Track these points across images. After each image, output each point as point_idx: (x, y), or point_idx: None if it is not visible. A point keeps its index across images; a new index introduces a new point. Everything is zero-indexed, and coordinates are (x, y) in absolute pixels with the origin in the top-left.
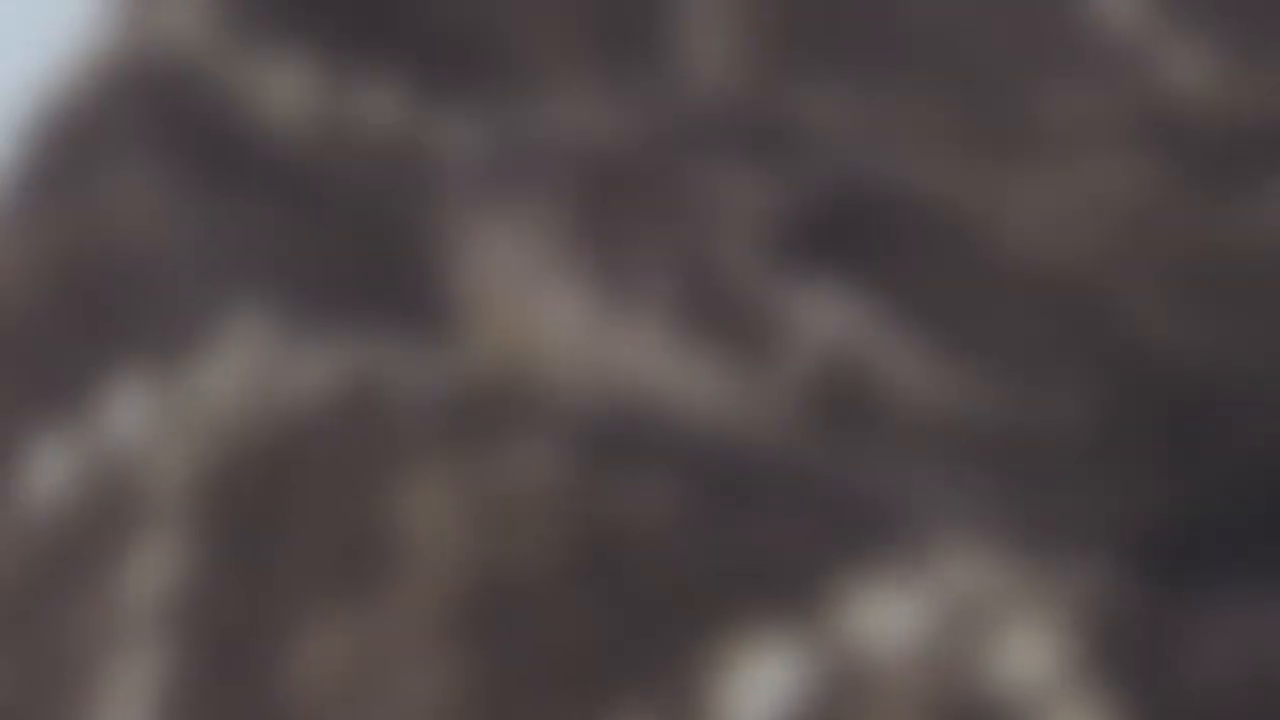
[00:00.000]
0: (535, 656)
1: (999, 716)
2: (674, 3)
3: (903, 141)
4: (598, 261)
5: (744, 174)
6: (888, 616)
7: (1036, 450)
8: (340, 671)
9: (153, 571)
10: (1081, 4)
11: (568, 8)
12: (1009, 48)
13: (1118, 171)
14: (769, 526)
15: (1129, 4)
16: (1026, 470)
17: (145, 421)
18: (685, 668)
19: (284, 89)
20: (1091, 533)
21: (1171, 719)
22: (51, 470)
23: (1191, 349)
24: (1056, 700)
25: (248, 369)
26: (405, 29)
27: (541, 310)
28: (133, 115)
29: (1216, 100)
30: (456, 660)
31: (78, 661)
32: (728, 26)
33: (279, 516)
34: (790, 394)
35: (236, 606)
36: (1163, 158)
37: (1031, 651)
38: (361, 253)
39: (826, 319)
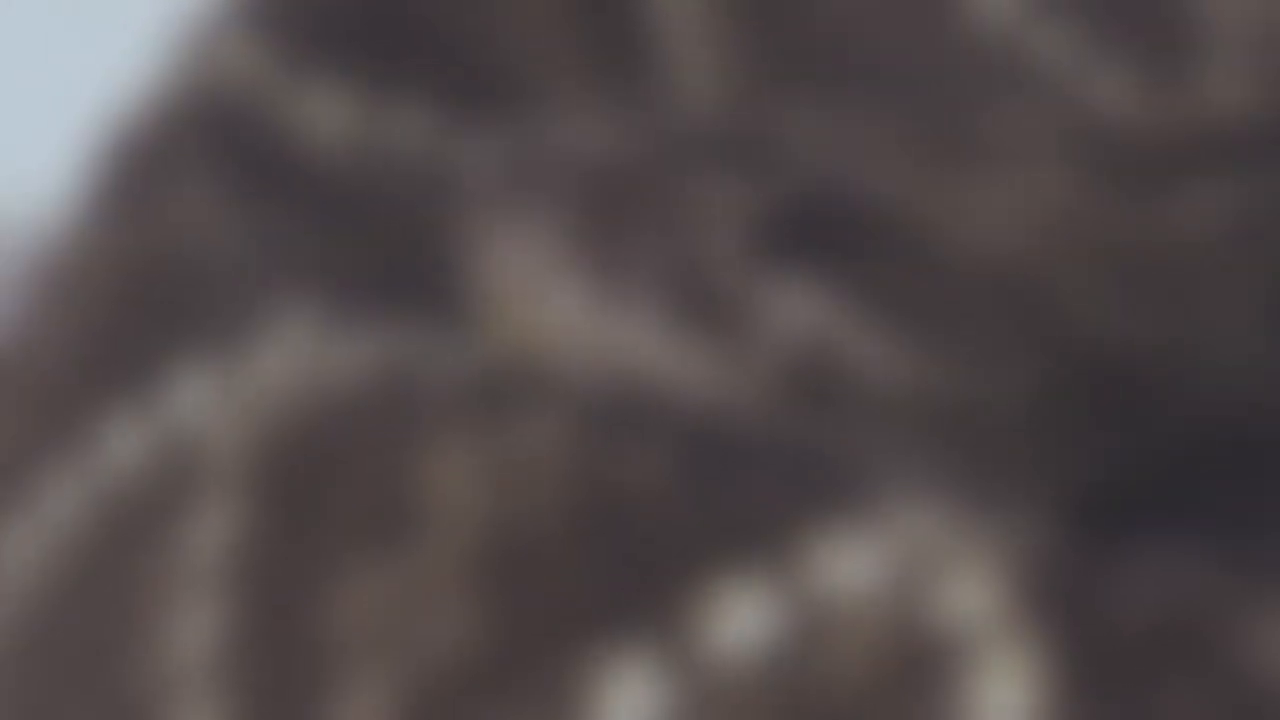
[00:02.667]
0: (543, 600)
1: (942, 651)
2: (660, 32)
3: (868, 153)
4: (598, 260)
5: (727, 183)
6: (849, 563)
7: (981, 420)
8: (375, 613)
9: (213, 530)
10: (1019, 38)
11: (567, 40)
12: (959, 74)
13: (1052, 180)
14: (747, 486)
15: (1060, 37)
16: (972, 437)
17: (207, 401)
18: (676, 608)
19: (326, 115)
20: (1028, 492)
21: (1093, 653)
22: (127, 442)
23: (1117, 331)
24: (991, 636)
25: (295, 356)
26: (429, 62)
27: (549, 303)
28: (197, 139)
29: (1135, 118)
30: (474, 604)
31: (148, 606)
32: (709, 52)
33: (322, 482)
34: (767, 373)
35: (286, 560)
36: (1090, 168)
37: (971, 594)
38: (393, 255)
39: (800, 308)
